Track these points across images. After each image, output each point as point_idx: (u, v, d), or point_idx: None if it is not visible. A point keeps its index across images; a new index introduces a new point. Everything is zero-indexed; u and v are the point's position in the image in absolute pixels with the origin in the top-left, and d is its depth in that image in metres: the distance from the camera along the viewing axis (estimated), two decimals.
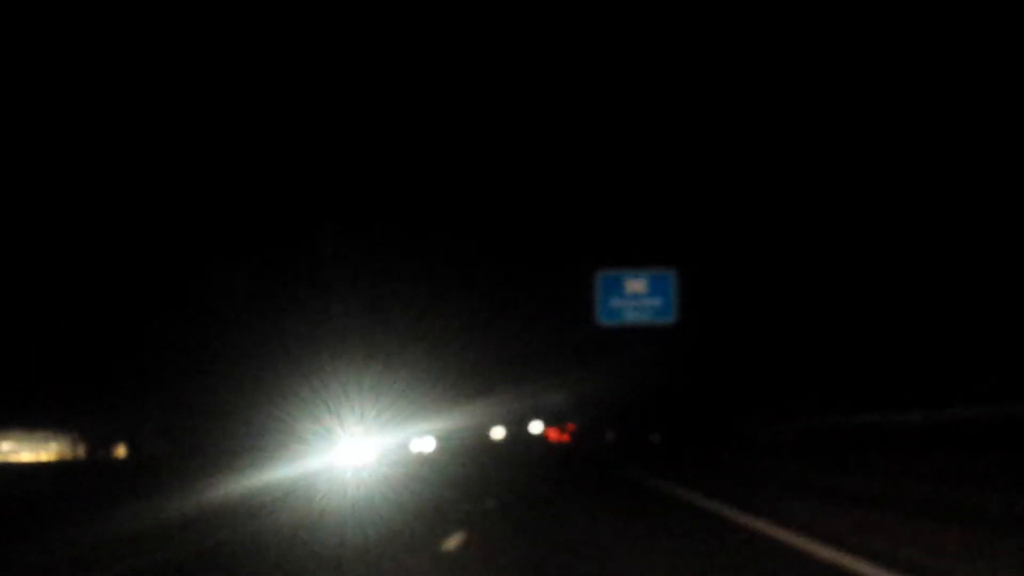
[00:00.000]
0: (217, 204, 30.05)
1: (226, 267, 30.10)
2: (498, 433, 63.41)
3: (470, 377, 45.07)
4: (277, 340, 29.37)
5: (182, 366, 29.41)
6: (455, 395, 43.89)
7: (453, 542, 12.79)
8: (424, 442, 50.05)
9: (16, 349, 28.18)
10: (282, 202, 32.01)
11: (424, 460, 41.86)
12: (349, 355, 29.30)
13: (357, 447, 26.88)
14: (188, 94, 29.24)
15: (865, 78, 29.26)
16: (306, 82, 31.79)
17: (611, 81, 37.86)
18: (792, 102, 32.53)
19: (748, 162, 35.93)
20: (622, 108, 39.66)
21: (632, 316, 24.49)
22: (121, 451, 35.95)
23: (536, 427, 65.23)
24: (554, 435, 64.11)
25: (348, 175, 35.69)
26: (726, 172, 36.98)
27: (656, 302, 24.50)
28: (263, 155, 31.88)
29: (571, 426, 64.20)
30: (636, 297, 24.50)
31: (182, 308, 29.28)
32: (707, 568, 10.40)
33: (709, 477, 22.71)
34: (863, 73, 29.23)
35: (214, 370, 29.16)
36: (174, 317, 29.12)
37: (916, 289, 27.93)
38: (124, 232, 29.26)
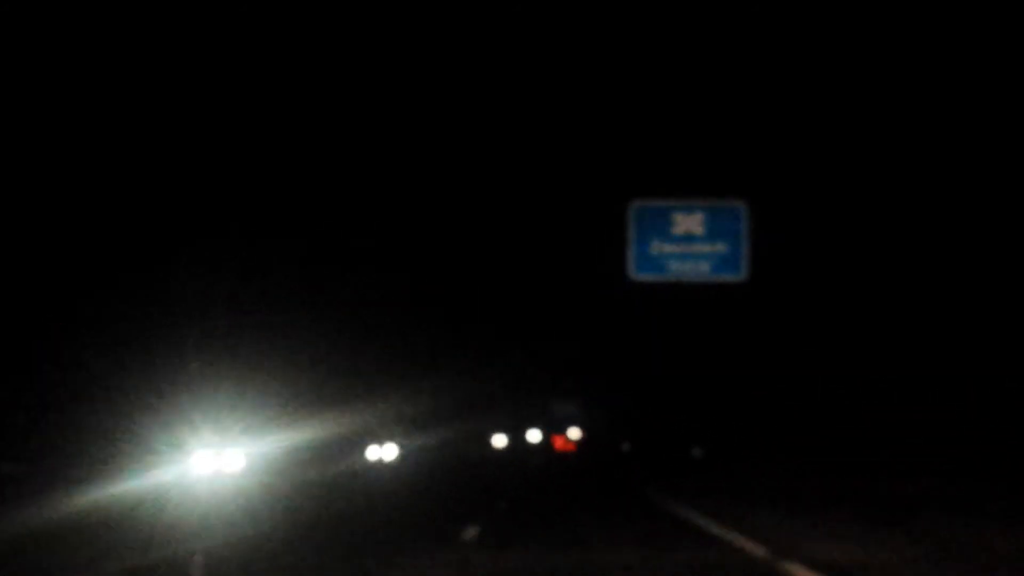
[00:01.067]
0: (68, 208, 29.24)
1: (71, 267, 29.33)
2: (500, 441, 60.13)
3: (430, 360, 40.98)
4: (123, 344, 28.57)
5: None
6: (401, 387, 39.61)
7: None
8: (385, 449, 42.84)
9: None
10: (142, 205, 30.73)
11: (377, 470, 37.94)
12: (210, 354, 28.81)
13: (221, 455, 25.57)
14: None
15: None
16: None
17: None
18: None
19: (849, 48, 29.86)
20: None
21: (681, 268, 19.35)
22: None
23: (534, 435, 60.71)
24: (560, 443, 59.22)
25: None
26: (819, 63, 30.36)
27: (718, 248, 19.38)
28: (132, 161, 30.52)
29: (578, 432, 59.05)
30: (688, 240, 19.54)
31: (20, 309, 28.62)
32: None
33: None
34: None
35: (52, 374, 28.00)
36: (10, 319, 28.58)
37: None
38: None
